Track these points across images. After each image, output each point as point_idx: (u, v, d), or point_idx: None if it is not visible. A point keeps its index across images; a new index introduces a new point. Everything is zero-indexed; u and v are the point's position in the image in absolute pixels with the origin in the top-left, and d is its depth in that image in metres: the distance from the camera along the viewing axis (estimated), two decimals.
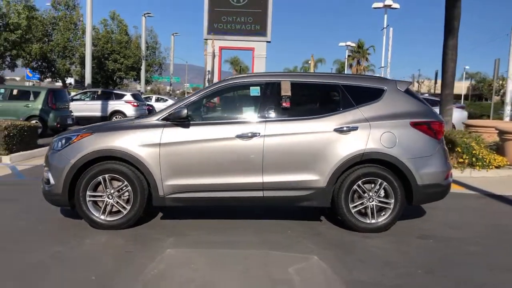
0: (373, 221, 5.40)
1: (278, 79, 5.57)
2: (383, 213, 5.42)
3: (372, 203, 5.39)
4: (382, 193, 5.40)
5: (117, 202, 5.31)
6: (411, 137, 5.42)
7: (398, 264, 4.40)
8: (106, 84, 38.58)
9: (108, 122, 6.72)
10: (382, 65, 33.24)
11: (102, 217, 5.29)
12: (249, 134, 5.28)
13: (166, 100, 35.56)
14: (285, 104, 5.42)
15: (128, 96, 21.72)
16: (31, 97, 15.77)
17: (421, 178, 5.36)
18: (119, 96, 21.67)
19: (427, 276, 4.11)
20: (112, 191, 5.28)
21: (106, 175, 5.26)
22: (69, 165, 5.22)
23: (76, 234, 5.11)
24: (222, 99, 6.02)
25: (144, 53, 40.83)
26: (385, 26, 32.98)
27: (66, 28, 30.54)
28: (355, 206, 5.38)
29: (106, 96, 21.59)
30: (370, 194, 5.38)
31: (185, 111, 5.20)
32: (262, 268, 4.20)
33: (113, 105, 21.04)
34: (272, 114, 5.43)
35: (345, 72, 60.30)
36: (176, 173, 5.27)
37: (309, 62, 68.37)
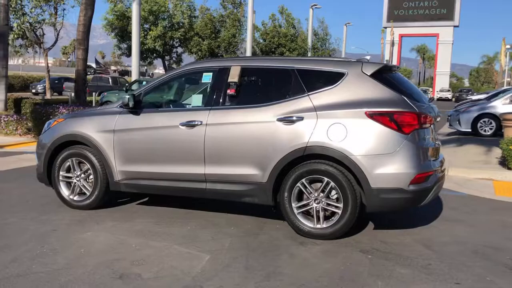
0: (318, 226, 4.67)
1: (230, 65, 5.20)
2: (332, 218, 4.65)
3: (319, 205, 4.66)
4: (334, 195, 4.63)
5: (83, 185, 5.64)
6: (366, 130, 4.51)
7: (281, 276, 3.77)
8: None
9: (86, 109, 7.12)
10: None
11: (71, 197, 5.69)
12: (192, 123, 5.05)
13: None
14: (230, 91, 5.03)
15: None
16: None
17: (375, 180, 4.44)
18: None
19: None
20: (79, 173, 5.64)
21: (73, 158, 5.63)
22: (46, 148, 5.74)
23: (50, 211, 5.56)
24: (176, 87, 5.84)
25: (310, 45, 41.25)
26: None
27: (232, 25, 32.79)
28: (300, 207, 4.73)
29: None
30: (316, 195, 4.66)
31: (127, 98, 5.25)
32: (132, 263, 4.02)
33: None
34: (218, 102, 5.08)
35: None
36: (126, 160, 5.37)
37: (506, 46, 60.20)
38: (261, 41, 40.70)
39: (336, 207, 4.60)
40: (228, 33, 32.49)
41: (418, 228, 5.13)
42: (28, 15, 19.73)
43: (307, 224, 4.71)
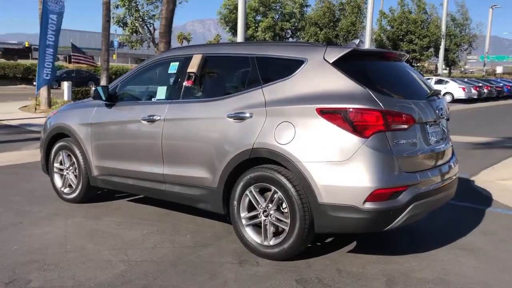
0: (265, 243, 3.92)
1: (194, 53, 4.63)
2: (280, 236, 3.87)
3: (267, 218, 3.92)
4: (285, 208, 3.85)
5: (71, 178, 5.58)
6: (316, 131, 3.64)
7: None
8: None
9: (80, 101, 6.95)
10: None
11: (62, 189, 5.66)
12: (153, 117, 4.63)
13: (447, 82, 31.58)
14: (187, 83, 4.49)
15: None
16: None
17: (322, 194, 3.56)
18: None
19: None
20: (67, 166, 5.58)
21: (63, 151, 5.59)
22: (43, 139, 5.81)
23: (41, 202, 5.55)
24: (146, 78, 5.34)
25: (444, 31, 37.73)
26: None
27: (351, 12, 31.35)
28: (250, 219, 4.03)
29: None
30: (264, 206, 3.92)
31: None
32: (42, 267, 3.75)
33: None
34: (178, 95, 4.58)
35: None
36: (100, 154, 5.16)
37: None
38: (388, 28, 38.36)
39: (286, 223, 3.81)
40: (347, 21, 31.10)
41: (408, 255, 4.05)
42: (141, 11, 20.96)
43: (254, 239, 3.99)
